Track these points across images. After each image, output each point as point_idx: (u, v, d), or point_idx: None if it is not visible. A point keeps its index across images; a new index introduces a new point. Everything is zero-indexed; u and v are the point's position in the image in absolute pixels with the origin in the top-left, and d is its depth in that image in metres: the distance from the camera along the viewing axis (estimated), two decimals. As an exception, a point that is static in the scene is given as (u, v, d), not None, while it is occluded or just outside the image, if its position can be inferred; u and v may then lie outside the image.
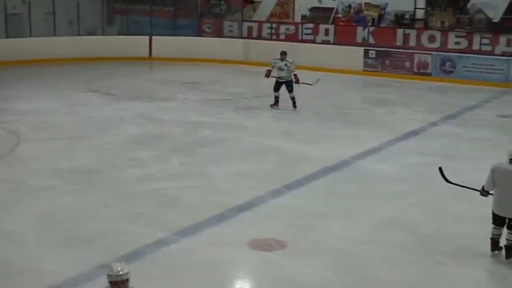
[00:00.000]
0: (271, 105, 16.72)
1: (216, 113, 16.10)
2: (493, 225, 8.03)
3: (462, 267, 7.78)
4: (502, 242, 7.97)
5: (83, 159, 11.90)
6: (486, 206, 9.61)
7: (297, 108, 16.54)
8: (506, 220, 7.90)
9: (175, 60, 24.42)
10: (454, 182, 8.93)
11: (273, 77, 16.72)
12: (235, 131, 14.27)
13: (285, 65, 16.47)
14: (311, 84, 17.31)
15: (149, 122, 14.97)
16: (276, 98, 16.72)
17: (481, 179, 10.94)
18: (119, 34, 26.76)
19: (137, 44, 25.40)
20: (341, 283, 7.43)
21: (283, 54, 16.72)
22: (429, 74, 22.23)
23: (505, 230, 7.93)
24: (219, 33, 26.39)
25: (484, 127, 15.22)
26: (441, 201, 10.03)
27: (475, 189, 8.50)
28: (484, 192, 8.30)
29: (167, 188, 10.30)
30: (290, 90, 16.55)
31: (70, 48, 23.72)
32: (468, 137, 14.26)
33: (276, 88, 16.68)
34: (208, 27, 26.70)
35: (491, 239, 8.05)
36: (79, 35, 25.12)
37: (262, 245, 8.16)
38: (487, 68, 21.24)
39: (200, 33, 26.62)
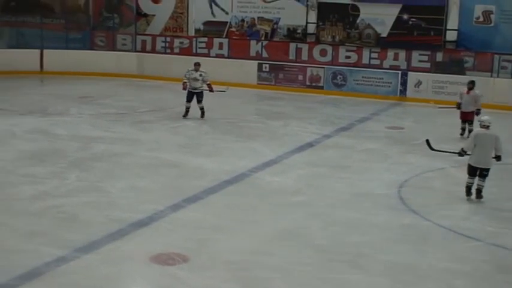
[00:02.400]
0: (183, 116, 17.21)
1: (111, 127, 15.91)
2: (468, 176, 11.05)
3: (361, 275, 7.99)
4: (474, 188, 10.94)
5: (-27, 177, 11.49)
6: (379, 215, 10.05)
7: (204, 118, 17.17)
8: (478, 171, 10.90)
9: (67, 74, 23.94)
10: (438, 149, 12.26)
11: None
12: (131, 145, 14.13)
13: (200, 75, 17.17)
14: (224, 91, 18.16)
15: (43, 137, 14.61)
16: (187, 109, 17.30)
17: (373, 189, 11.43)
18: (8, 47, 25.96)
19: (28, 57, 24.71)
20: (242, 295, 7.52)
21: (197, 65, 17.38)
22: (321, 87, 22.78)
23: (476, 179, 10.94)
24: (112, 46, 26.06)
25: (374, 138, 15.72)
26: (336, 211, 10.31)
27: (455, 153, 11.64)
28: (463, 153, 11.28)
29: (64, 205, 10.07)
30: (200, 101, 17.25)
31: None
32: (360, 148, 14.70)
33: (189, 99, 17.24)
34: (101, 41, 26.33)
35: (466, 187, 11.09)
36: (-35, 48, 24.28)
37: (165, 260, 8.13)
38: (377, 81, 21.99)
39: (93, 46, 26.19)
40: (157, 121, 16.83)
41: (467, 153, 11.16)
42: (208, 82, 17.36)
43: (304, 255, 8.50)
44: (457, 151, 11.42)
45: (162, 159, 13.08)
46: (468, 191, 11.08)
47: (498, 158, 11.05)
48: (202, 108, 17.35)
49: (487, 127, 11.02)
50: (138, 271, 7.95)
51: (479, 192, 10.99)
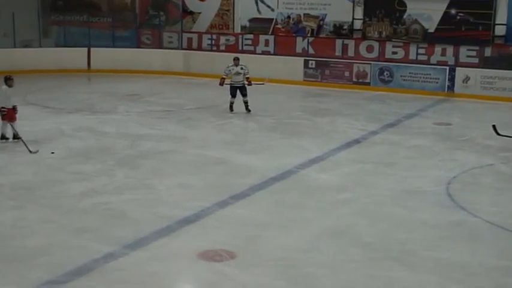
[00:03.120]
0: (230, 111, 17.64)
1: (158, 125, 16.06)
2: None
3: (409, 272, 7.91)
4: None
5: (23, 175, 11.68)
6: (427, 212, 9.95)
7: (251, 112, 17.61)
8: None
9: (114, 72, 24.29)
10: (505, 134, 12.95)
11: (227, 84, 17.68)
12: (178, 143, 14.24)
13: (241, 69, 17.63)
14: (263, 83, 18.45)
15: (90, 134, 14.82)
16: (232, 104, 17.74)
17: (421, 186, 11.32)
18: (56, 46, 26.44)
19: (75, 55, 25.17)
20: (290, 292, 7.52)
21: (237, 59, 17.88)
22: (368, 84, 22.65)
23: None
24: (158, 44, 26.34)
25: (421, 135, 15.56)
26: (383, 208, 10.23)
27: None
28: None
29: (112, 202, 10.20)
30: (244, 95, 17.64)
31: (5, 61, 22.96)
32: (407, 145, 14.57)
33: (233, 94, 17.67)
34: (147, 39, 26.62)
35: None
36: (14, 47, 24.70)
37: (212, 256, 8.16)
38: (424, 77, 21.77)
39: (139, 44, 26.51)
40: (203, 118, 16.93)
41: None
42: (247, 75, 17.72)
43: (352, 252, 8.46)
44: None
45: (209, 156, 13.14)
46: None
47: None
48: (246, 102, 17.71)
49: None
50: (185, 268, 8.01)
51: None
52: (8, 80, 13.72)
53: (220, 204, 10.18)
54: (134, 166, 12.35)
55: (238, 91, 17.63)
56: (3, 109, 13.48)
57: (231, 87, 17.70)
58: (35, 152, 12.85)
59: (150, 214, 9.70)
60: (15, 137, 13.61)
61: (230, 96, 17.71)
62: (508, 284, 7.65)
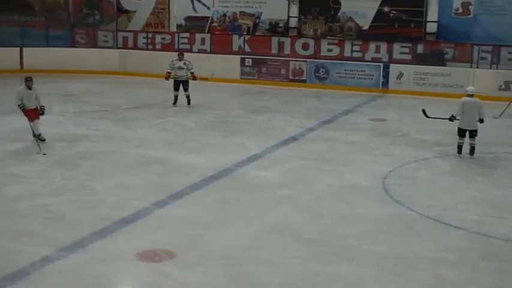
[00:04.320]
0: (173, 104, 18.45)
1: (95, 125, 15.89)
2: (458, 137, 13.21)
3: (349, 266, 8.04)
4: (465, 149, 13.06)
5: (-42, 178, 11.42)
6: (366, 206, 10.12)
7: (191, 106, 18.44)
8: (467, 132, 13.07)
9: (49, 72, 23.84)
10: (433, 116, 14.22)
11: (172, 78, 18.61)
12: (116, 143, 14.11)
13: (184, 63, 18.52)
14: (208, 79, 19.07)
15: (26, 136, 14.50)
16: (176, 97, 18.47)
17: (358, 181, 11.51)
18: (-13, 46, 25.83)
19: (7, 55, 24.56)
20: (233, 290, 7.55)
21: (181, 55, 18.82)
22: (304, 81, 22.88)
23: (467, 139, 13.09)
24: (93, 43, 26.03)
25: (358, 131, 15.80)
26: (323, 204, 10.36)
27: (446, 118, 13.53)
28: (453, 118, 13.30)
29: (51, 204, 10.04)
30: (186, 89, 18.50)
31: None
32: (344, 141, 14.78)
33: (176, 87, 18.52)
34: (82, 38, 26.28)
35: (458, 147, 13.24)
36: None
37: (151, 257, 8.12)
38: (359, 74, 22.11)
39: (74, 43, 26.13)
40: (141, 118, 16.83)
41: (457, 118, 13.23)
42: (192, 70, 18.52)
43: (294, 248, 8.54)
44: (448, 117, 13.41)
45: (148, 156, 13.07)
46: (459, 150, 13.26)
47: (481, 121, 13.20)
48: (188, 96, 18.43)
49: (472, 95, 13.20)
50: (124, 269, 7.94)
51: (472, 149, 13.11)
52: (27, 81, 13.84)
53: (160, 204, 10.14)
54: (72, 167, 12.18)
55: (181, 85, 18.39)
56: (20, 105, 13.71)
57: (174, 81, 18.53)
58: (44, 154, 12.84)
59: (89, 215, 9.59)
60: (39, 137, 13.67)
61: (173, 89, 18.46)
62: (443, 275, 7.85)
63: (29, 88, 13.80)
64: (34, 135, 13.60)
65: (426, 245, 8.75)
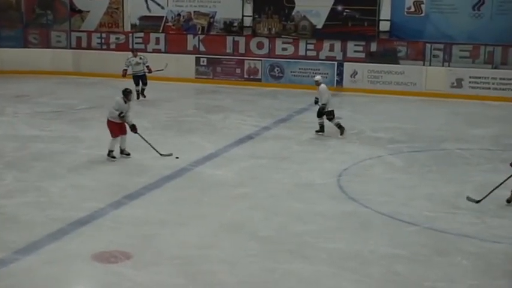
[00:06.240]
0: (137, 98, 18.80)
1: (48, 126, 15.71)
2: (321, 118, 15.13)
3: (304, 264, 8.07)
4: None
5: None
6: (321, 204, 10.19)
7: (147, 98, 19.53)
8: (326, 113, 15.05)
9: (1, 73, 23.49)
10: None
11: (129, 74, 19.44)
12: (70, 144, 13.96)
13: (140, 58, 19.50)
14: (163, 69, 19.85)
15: (-23, 138, 14.33)
16: (138, 92, 19.21)
17: (314, 179, 11.58)
18: None
19: (-43, 56, 24.17)
20: (189, 289, 7.53)
21: (135, 51, 20.03)
22: (259, 80, 22.94)
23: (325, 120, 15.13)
24: (46, 44, 25.69)
25: (313, 129, 15.85)
26: (278, 202, 10.41)
27: (318, 104, 15.13)
28: (324, 106, 14.88)
29: (3, 206, 9.88)
30: (145, 83, 19.62)
31: None
32: (299, 139, 14.85)
33: (137, 82, 19.43)
34: (35, 38, 25.91)
35: (321, 126, 15.19)
36: None
37: (107, 258, 8.06)
38: (313, 73, 22.17)
39: (26, 44, 25.75)
40: (95, 118, 16.64)
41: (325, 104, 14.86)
42: (147, 64, 19.47)
43: (249, 246, 8.55)
44: (321, 105, 14.88)
45: (102, 156, 12.92)
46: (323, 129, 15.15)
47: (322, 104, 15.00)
48: (144, 90, 19.61)
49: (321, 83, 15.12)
50: (80, 270, 7.86)
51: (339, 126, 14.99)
52: (128, 94, 12.59)
53: (115, 204, 10.07)
54: (25, 168, 12.02)
55: (140, 80, 19.43)
56: (121, 114, 12.47)
57: (133, 76, 19.41)
58: (169, 155, 12.67)
59: (42, 217, 9.48)
60: (123, 152, 12.80)
61: (134, 85, 18.99)
62: (398, 270, 7.94)
63: (128, 101, 12.64)
64: (123, 152, 12.81)
65: (381, 241, 8.84)
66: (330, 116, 15.00)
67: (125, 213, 9.81)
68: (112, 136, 12.61)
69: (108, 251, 8.27)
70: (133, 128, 12.68)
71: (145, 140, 12.70)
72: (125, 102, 12.59)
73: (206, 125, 16.38)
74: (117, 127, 12.61)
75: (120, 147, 12.79)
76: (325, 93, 14.99)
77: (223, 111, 18.09)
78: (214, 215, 9.74)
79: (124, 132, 12.72)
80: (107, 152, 12.69)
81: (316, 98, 15.20)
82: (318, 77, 15.60)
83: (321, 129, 15.16)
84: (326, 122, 15.10)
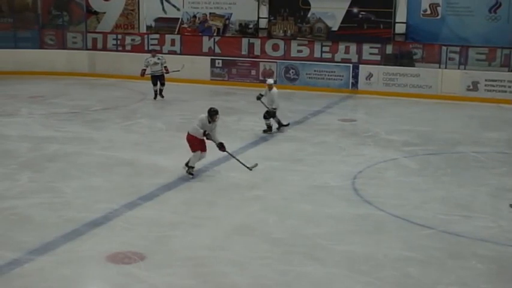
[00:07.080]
0: (154, 98, 19.74)
1: (63, 127, 15.75)
2: (268, 119, 15.62)
3: (317, 266, 8.06)
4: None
5: None
6: (334, 206, 10.16)
7: (164, 98, 19.76)
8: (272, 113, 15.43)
9: (17, 74, 23.62)
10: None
11: (148, 74, 19.70)
12: (84, 145, 14.01)
13: (158, 59, 19.80)
14: (179, 70, 20.01)
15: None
16: (156, 92, 19.79)
17: (327, 181, 11.55)
18: (-46, 47, 25.48)
19: (-26, 57, 24.31)
20: (201, 291, 7.53)
21: (153, 51, 20.44)
22: (274, 82, 22.81)
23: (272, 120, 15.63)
24: (62, 45, 25.77)
25: (327, 131, 15.87)
26: (292, 204, 10.39)
27: (267, 108, 15.48)
28: (274, 110, 15.37)
29: (17, 206, 9.94)
30: (163, 83, 19.87)
31: None
32: (314, 141, 14.82)
33: (155, 82, 19.81)
34: (51, 39, 26.01)
35: (268, 126, 15.65)
36: None
37: (121, 258, 8.09)
38: (328, 75, 22.19)
39: (42, 45, 25.86)
40: (109, 119, 16.72)
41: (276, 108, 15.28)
42: (165, 64, 19.78)
43: (262, 248, 8.55)
44: (271, 110, 15.28)
45: (116, 157, 12.99)
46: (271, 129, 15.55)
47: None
48: (162, 91, 19.83)
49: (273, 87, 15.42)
50: (94, 271, 7.90)
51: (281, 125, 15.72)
52: (213, 115, 11.92)
53: (129, 205, 10.10)
54: (39, 169, 12.08)
55: (158, 80, 19.65)
56: (206, 132, 11.80)
57: (151, 76, 19.75)
58: (254, 166, 11.99)
59: (56, 218, 9.52)
60: (189, 167, 11.93)
61: (152, 85, 19.66)
62: (411, 273, 7.91)
63: (213, 121, 11.98)
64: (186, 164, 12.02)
65: (394, 244, 8.81)
66: (273, 115, 15.54)
67: (139, 214, 9.84)
68: (192, 150, 11.89)
69: (122, 251, 8.29)
70: (222, 147, 12.09)
71: (234, 157, 12.20)
72: (209, 122, 11.92)
73: (220, 126, 16.24)
74: (197, 141, 11.91)
75: (188, 161, 12.02)
76: (278, 97, 15.43)
77: (237, 113, 18.09)
78: (227, 217, 9.75)
79: (203, 149, 12.07)
80: (185, 162, 11.98)
81: (261, 94, 15.71)
82: (270, 80, 15.93)
83: (269, 128, 15.57)
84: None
